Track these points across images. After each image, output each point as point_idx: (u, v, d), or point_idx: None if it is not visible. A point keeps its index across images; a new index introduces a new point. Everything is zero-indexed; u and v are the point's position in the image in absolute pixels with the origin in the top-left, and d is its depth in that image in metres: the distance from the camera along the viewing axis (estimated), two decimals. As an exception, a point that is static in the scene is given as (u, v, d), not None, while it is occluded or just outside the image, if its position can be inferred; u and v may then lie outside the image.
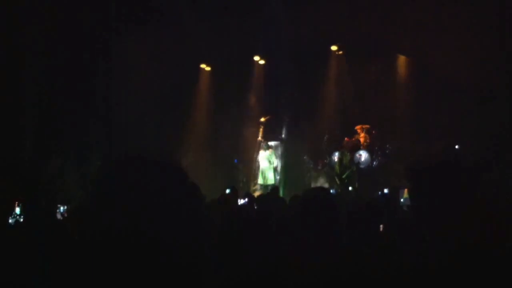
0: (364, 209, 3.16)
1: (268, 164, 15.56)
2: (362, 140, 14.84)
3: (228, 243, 2.99)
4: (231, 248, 2.88)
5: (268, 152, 15.64)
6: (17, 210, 10.64)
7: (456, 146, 12.66)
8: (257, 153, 15.91)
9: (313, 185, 13.99)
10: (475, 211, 1.75)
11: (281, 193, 12.57)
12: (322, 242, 2.21)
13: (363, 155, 14.49)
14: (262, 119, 16.06)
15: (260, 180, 15.62)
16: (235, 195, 9.71)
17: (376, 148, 14.75)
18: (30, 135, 12.35)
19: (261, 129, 16.06)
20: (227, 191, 10.38)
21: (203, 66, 16.80)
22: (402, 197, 9.44)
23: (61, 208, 9.20)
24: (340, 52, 15.74)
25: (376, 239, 2.87)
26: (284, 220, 3.13)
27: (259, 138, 16.00)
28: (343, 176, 14.14)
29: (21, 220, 9.49)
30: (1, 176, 9.93)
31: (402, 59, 15.47)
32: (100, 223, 1.24)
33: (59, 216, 8.02)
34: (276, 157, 15.79)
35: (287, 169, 15.75)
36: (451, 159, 1.85)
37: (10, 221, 8.98)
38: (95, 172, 1.39)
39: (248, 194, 10.46)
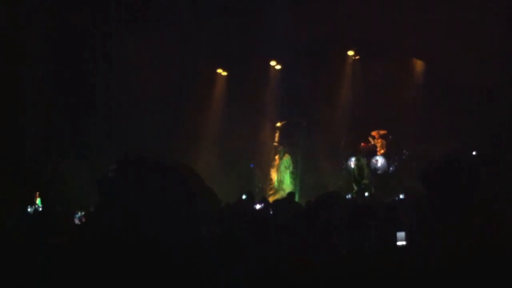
0: (364, 211, 3.17)
1: (284, 168, 15.53)
2: (378, 145, 14.76)
3: (228, 243, 3.02)
4: (231, 248, 2.90)
5: (284, 156, 15.60)
6: (38, 201, 10.86)
7: (474, 153, 12.48)
8: (274, 158, 15.88)
9: (329, 190, 13.90)
10: (475, 211, 1.75)
11: (296, 198, 12.52)
12: (322, 242, 2.23)
13: (380, 161, 14.41)
14: (278, 124, 16.04)
15: (276, 185, 15.58)
16: (251, 200, 9.73)
17: (393, 153, 14.64)
18: (31, 135, 12.43)
19: (277, 134, 16.03)
20: (244, 196, 10.40)
21: (219, 71, 16.81)
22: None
23: (78, 213, 9.30)
24: (357, 57, 15.67)
25: (376, 240, 2.87)
26: (287, 221, 3.14)
27: (275, 143, 15.97)
28: (360, 181, 14.04)
29: (40, 210, 9.68)
30: (1, 176, 10.11)
31: (414, 62, 15.33)
32: (100, 223, 1.26)
33: (76, 221, 8.10)
34: (292, 162, 15.73)
35: (303, 174, 15.66)
36: (451, 160, 1.85)
37: (29, 209, 9.20)
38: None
39: (264, 199, 10.47)
